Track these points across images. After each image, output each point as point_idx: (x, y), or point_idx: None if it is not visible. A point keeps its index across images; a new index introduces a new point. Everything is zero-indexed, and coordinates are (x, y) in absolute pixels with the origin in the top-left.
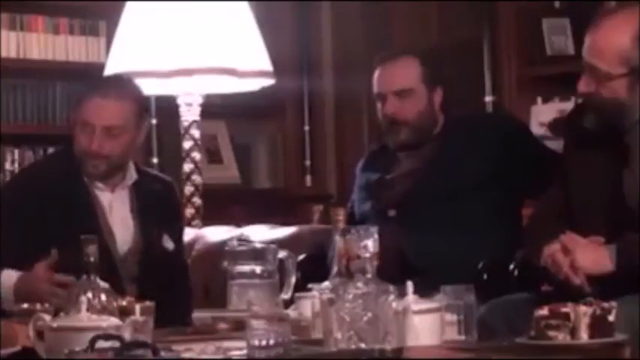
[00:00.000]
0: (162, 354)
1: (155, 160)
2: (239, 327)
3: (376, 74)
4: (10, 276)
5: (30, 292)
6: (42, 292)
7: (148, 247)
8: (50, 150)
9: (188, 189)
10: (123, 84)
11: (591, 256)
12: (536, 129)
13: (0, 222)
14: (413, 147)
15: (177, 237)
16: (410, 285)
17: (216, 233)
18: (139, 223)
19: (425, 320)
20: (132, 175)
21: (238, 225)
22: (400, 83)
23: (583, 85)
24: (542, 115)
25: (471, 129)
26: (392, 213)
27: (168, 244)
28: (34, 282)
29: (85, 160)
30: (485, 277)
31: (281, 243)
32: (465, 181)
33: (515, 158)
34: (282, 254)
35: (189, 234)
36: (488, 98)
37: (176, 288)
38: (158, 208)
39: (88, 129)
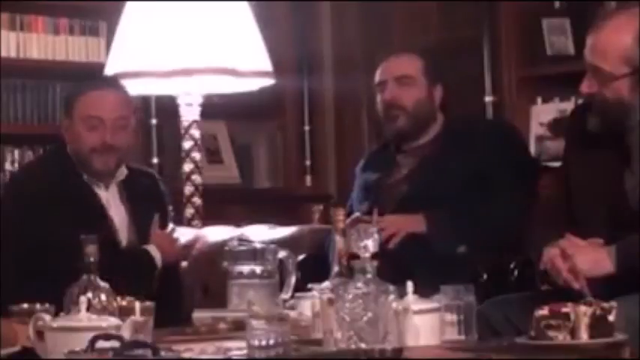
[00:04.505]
0: (163, 354)
1: (155, 160)
2: (239, 327)
3: (379, 67)
4: None
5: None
6: None
7: (140, 240)
8: None
9: (188, 189)
10: (112, 80)
11: (591, 258)
12: (536, 129)
13: (8, 231)
14: (409, 138)
15: (164, 228)
16: (410, 285)
17: (216, 233)
18: (131, 217)
19: (425, 320)
20: (123, 170)
21: (238, 225)
22: (401, 70)
23: (585, 86)
24: (542, 115)
25: (468, 132)
26: (390, 213)
27: None
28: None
29: (92, 157)
30: (485, 277)
31: (281, 243)
32: (461, 184)
33: (500, 165)
34: (282, 254)
35: (189, 234)
36: (488, 98)
37: (168, 279)
38: (146, 201)
39: (96, 123)
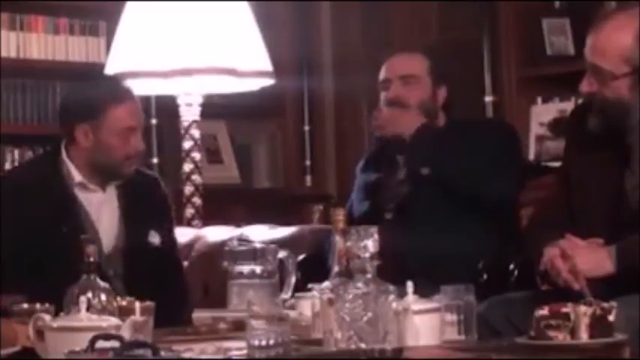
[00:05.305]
0: (162, 354)
1: (155, 160)
2: (239, 327)
3: (383, 65)
4: None
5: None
6: None
7: (133, 243)
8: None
9: (188, 189)
10: (124, 85)
11: (591, 259)
12: (536, 129)
13: None
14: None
15: (167, 233)
16: (410, 285)
17: (216, 233)
18: (125, 220)
19: (425, 320)
20: None
21: (238, 225)
22: (406, 69)
23: (586, 86)
24: (542, 115)
25: (468, 133)
26: (390, 214)
27: (155, 239)
28: None
29: (124, 164)
30: (485, 277)
31: (281, 243)
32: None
33: (497, 166)
34: (282, 254)
35: (189, 234)
36: (488, 98)
37: (167, 284)
38: (144, 204)
39: (130, 133)
